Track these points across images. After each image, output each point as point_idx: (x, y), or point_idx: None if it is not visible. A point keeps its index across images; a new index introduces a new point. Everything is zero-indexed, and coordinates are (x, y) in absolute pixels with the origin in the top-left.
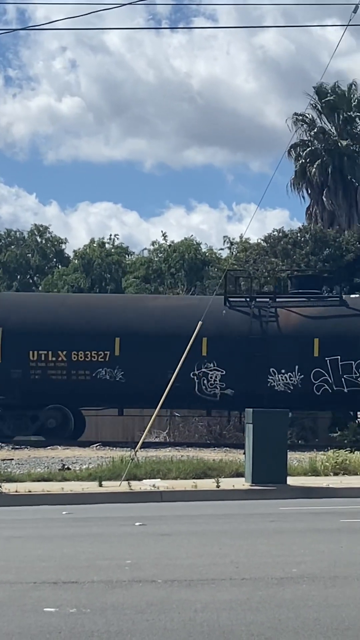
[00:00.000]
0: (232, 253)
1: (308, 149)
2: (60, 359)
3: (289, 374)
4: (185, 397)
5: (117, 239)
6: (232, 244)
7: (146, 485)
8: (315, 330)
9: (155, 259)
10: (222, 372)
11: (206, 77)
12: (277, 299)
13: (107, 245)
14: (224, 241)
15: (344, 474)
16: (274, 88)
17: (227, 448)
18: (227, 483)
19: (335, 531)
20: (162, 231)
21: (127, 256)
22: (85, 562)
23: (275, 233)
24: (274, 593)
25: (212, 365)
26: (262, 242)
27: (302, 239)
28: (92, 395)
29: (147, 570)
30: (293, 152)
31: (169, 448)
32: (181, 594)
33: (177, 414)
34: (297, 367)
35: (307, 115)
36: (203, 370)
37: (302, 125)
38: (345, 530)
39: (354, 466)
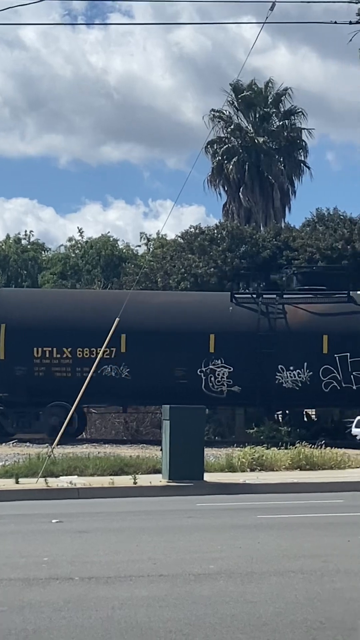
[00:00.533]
0: (149, 249)
1: (225, 146)
2: (65, 355)
3: (298, 370)
4: (192, 394)
5: (33, 235)
6: (148, 240)
7: (63, 482)
8: (323, 327)
9: (72, 255)
10: (230, 369)
11: (122, 73)
12: (285, 296)
13: (23, 242)
14: (141, 237)
15: (260, 470)
16: (190, 85)
17: (144, 444)
18: (144, 480)
19: (252, 527)
20: (78, 227)
21: (43, 252)
22: (2, 559)
23: (192, 230)
24: (191, 589)
25: (219, 362)
26: (179, 238)
27: (219, 235)
28: (97, 392)
29: (64, 567)
30: (210, 148)
31: (86, 445)
32: (99, 591)
33: (93, 410)
34: (305, 364)
35: (224, 112)
36: (210, 367)
37: (218, 122)
38: (262, 526)
39: (270, 462)
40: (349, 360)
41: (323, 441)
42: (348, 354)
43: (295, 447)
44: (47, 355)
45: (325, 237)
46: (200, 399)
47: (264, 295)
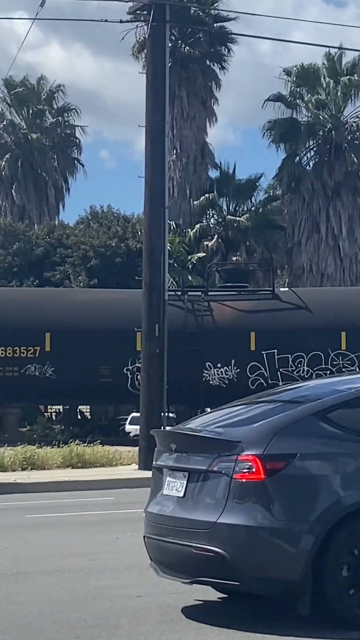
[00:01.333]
0: None
1: None
2: None
3: (225, 368)
4: (117, 392)
5: None
6: None
7: None
8: (250, 323)
9: None
10: None
11: None
12: (209, 293)
13: None
14: None
15: (32, 469)
16: None
17: None
18: None
19: (20, 527)
20: None
21: None
22: None
23: None
24: None
25: None
26: None
27: None
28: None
29: None
30: None
31: None
32: None
33: None
34: (233, 361)
35: None
36: (137, 365)
37: None
38: (31, 525)
39: (42, 461)
40: (276, 356)
41: (98, 440)
42: (275, 350)
43: (68, 446)
44: None
45: (99, 234)
46: (125, 397)
47: (189, 293)
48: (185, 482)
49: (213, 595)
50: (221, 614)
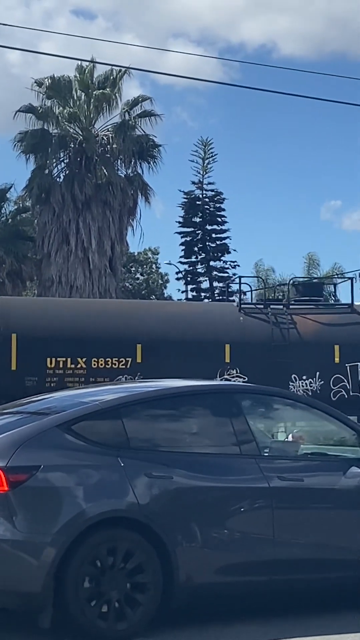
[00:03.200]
0: None
1: None
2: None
3: (310, 380)
4: None
5: None
6: None
7: None
8: (333, 336)
9: None
10: (245, 378)
11: None
12: (290, 306)
13: None
14: None
15: None
16: None
17: None
18: None
19: None
20: None
21: None
22: None
23: None
24: None
25: (234, 372)
26: None
27: None
28: None
29: None
30: None
31: None
32: None
33: None
34: (318, 373)
35: None
36: (225, 377)
37: None
38: None
39: None
40: (358, 369)
41: None
42: (358, 363)
43: None
44: (61, 365)
45: None
46: None
47: (271, 306)
48: None
49: None
50: None
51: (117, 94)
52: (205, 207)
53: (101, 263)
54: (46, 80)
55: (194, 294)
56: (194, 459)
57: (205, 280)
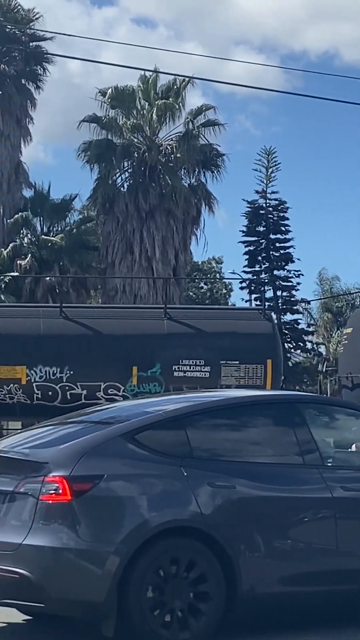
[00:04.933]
0: None
1: None
2: None
3: None
4: None
5: None
6: None
7: None
8: None
9: None
10: None
11: None
12: None
13: None
14: None
15: None
16: None
17: None
18: None
19: None
20: None
21: None
22: None
23: None
24: None
25: None
26: None
27: None
28: None
29: None
30: None
31: None
32: None
33: None
34: None
35: None
36: None
37: None
38: None
39: None
40: None
41: None
42: None
43: None
44: None
45: None
46: None
47: None
48: None
49: (17, 617)
50: (25, 636)
51: (180, 104)
52: (269, 216)
53: (165, 272)
54: (110, 90)
55: (258, 303)
56: (257, 468)
57: (269, 289)
